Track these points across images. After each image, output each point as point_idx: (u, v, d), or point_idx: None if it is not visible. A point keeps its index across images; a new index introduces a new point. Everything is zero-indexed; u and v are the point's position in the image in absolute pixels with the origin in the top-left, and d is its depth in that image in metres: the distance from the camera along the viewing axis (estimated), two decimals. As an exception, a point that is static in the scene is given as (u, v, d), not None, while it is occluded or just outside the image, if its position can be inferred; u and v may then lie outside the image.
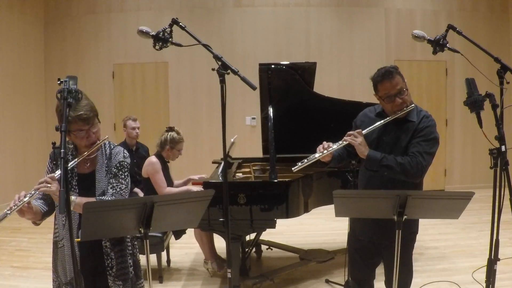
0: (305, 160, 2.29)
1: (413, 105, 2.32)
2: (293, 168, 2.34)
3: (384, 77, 2.28)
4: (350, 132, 2.32)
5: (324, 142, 2.33)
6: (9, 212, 1.72)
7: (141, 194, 4.26)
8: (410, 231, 2.31)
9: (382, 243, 2.39)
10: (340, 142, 2.31)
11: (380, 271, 2.51)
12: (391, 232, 2.17)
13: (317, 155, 2.30)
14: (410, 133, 2.30)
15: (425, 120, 2.31)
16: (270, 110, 3.57)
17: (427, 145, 2.25)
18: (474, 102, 2.08)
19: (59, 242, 2.03)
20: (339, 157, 2.45)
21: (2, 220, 1.71)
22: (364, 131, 2.31)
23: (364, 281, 2.56)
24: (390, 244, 2.29)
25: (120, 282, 2.04)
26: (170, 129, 3.98)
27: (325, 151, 2.28)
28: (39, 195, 1.92)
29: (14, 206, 1.74)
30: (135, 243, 2.18)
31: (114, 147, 2.11)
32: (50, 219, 2.07)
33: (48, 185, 1.77)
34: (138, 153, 4.84)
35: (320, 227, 5.38)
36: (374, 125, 2.32)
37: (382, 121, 2.31)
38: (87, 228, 1.73)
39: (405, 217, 1.97)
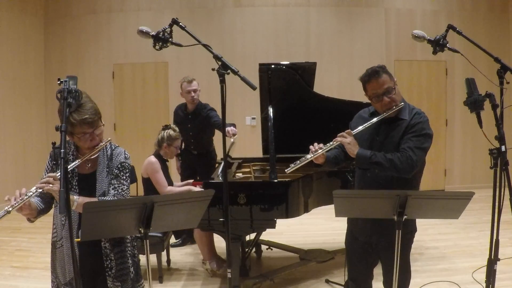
0: (298, 162, 2.30)
1: (402, 103, 2.32)
2: (286, 170, 2.34)
3: (371, 77, 2.29)
4: (340, 134, 2.33)
5: (315, 143, 2.33)
6: (10, 209, 1.71)
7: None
8: (408, 231, 2.30)
9: (379, 243, 2.39)
10: (331, 142, 2.32)
11: (378, 271, 2.51)
12: (389, 232, 2.17)
13: (309, 156, 2.30)
14: (402, 130, 2.30)
15: (416, 117, 2.31)
16: (270, 110, 3.57)
17: (418, 140, 2.24)
18: (474, 102, 2.08)
19: (57, 242, 2.02)
20: (335, 159, 2.45)
21: (2, 217, 1.70)
22: (353, 131, 2.33)
23: (362, 281, 2.56)
24: (387, 245, 2.29)
25: (119, 283, 2.04)
26: (166, 127, 3.99)
27: (318, 152, 2.29)
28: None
29: (15, 203, 1.73)
30: (135, 244, 2.18)
31: (115, 148, 2.12)
32: (50, 219, 2.07)
33: (50, 184, 1.77)
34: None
35: (320, 227, 5.37)
36: (364, 125, 2.33)
37: (372, 120, 2.33)
38: (87, 228, 1.73)
39: (405, 217, 1.97)
